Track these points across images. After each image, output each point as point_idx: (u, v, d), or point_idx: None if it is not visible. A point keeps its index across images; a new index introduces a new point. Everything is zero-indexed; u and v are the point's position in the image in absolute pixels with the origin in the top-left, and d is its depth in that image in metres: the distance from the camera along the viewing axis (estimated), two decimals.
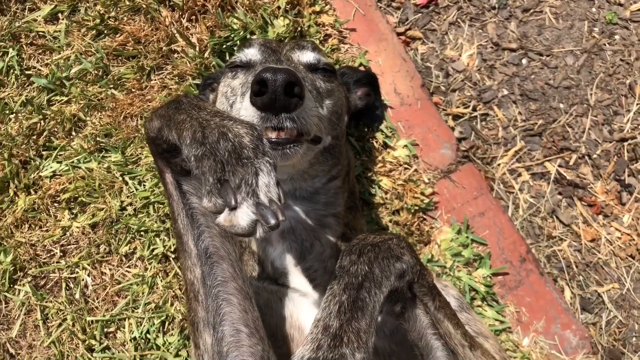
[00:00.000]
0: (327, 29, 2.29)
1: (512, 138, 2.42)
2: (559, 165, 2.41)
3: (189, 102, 1.21)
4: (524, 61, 2.52)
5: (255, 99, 1.21)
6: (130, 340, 1.99)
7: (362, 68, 2.27)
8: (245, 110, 1.27)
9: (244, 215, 0.94)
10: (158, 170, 1.32)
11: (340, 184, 1.66)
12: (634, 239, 2.32)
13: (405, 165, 2.20)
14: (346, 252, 1.20)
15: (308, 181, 1.58)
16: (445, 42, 2.52)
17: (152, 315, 2.01)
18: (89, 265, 2.03)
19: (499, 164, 2.38)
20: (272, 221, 0.92)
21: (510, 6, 2.58)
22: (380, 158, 2.20)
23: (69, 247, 2.07)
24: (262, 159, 1.00)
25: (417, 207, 2.13)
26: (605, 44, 2.56)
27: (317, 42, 2.24)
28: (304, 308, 1.48)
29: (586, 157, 2.42)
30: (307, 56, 1.60)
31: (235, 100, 1.51)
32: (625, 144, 2.44)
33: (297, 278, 1.54)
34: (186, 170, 1.24)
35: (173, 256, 2.07)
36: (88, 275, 2.04)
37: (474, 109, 2.43)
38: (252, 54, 1.60)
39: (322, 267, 1.55)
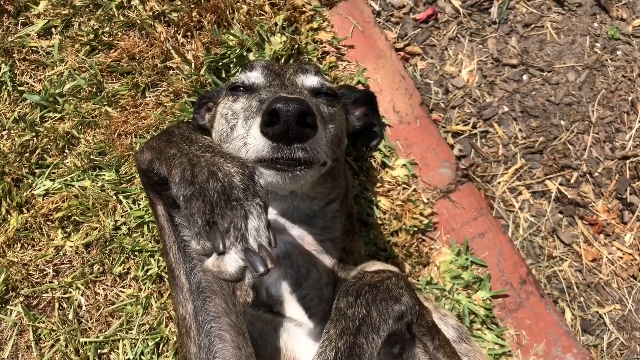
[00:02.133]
0: (325, 46, 2.26)
1: (512, 156, 2.39)
2: (560, 184, 2.37)
3: (181, 135, 1.18)
4: (525, 77, 2.49)
5: (266, 129, 1.19)
6: None
7: (360, 86, 2.24)
8: (254, 139, 1.25)
9: (232, 262, 0.91)
10: (149, 202, 1.30)
11: (338, 207, 1.63)
12: (635, 259, 2.29)
13: (404, 185, 2.16)
14: (343, 292, 1.17)
15: (306, 202, 1.56)
16: (445, 57, 2.48)
17: (147, 337, 1.99)
18: (82, 285, 2.01)
19: (499, 182, 2.35)
20: (261, 269, 0.89)
21: (511, 21, 2.54)
22: (378, 178, 2.16)
23: (62, 266, 2.04)
24: (252, 200, 0.97)
25: (416, 228, 2.10)
26: (607, 60, 2.52)
27: (315, 59, 2.22)
28: (299, 339, 1.45)
29: (587, 175, 2.39)
30: (311, 80, 1.59)
31: (237, 124, 1.48)
32: (627, 161, 2.41)
33: (292, 307, 1.50)
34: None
35: (167, 277, 2.04)
36: (81, 295, 2.01)
37: (474, 126, 2.39)
38: (254, 77, 1.58)
39: (318, 296, 1.51)
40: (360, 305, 1.11)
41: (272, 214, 1.55)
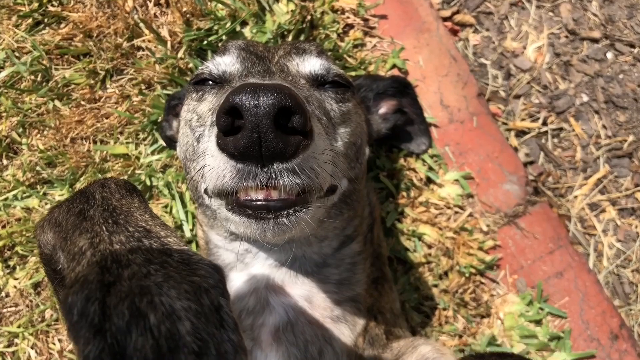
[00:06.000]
0: (347, 17, 1.85)
1: (593, 161, 1.98)
2: None
3: (104, 204, 0.82)
4: (610, 55, 2.09)
5: (225, 140, 0.81)
6: None
7: (396, 71, 1.82)
8: (212, 158, 0.87)
9: None
10: (58, 303, 0.87)
11: (359, 247, 1.28)
12: None
13: (456, 209, 1.73)
14: None
15: (314, 245, 1.21)
16: (505, 29, 2.08)
17: None
18: (31, 335, 1.72)
19: (575, 197, 1.92)
20: None
21: None
22: (421, 199, 1.73)
23: (5, 311, 1.77)
24: None
25: (473, 269, 1.62)
26: None
27: (334, 36, 1.80)
28: None
29: None
30: (311, 64, 1.20)
31: (203, 133, 1.10)
32: None
33: None
34: None
35: None
36: (31, 348, 1.73)
37: (544, 122, 2.01)
38: (226, 63, 1.20)
39: None
40: None
41: (265, 265, 1.20)
